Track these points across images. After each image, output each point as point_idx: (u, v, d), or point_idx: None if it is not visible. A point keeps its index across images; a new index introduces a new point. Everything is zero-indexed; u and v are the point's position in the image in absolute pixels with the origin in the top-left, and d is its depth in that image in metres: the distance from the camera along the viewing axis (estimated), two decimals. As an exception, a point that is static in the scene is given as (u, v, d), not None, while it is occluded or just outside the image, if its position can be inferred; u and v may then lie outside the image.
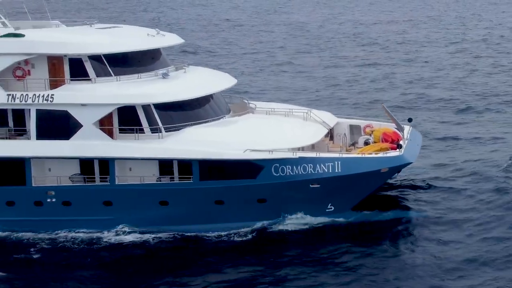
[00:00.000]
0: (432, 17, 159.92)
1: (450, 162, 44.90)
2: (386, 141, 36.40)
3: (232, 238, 33.97)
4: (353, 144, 38.48)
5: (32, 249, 33.04)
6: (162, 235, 34.05)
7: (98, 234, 34.07)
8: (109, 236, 34.02)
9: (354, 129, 39.37)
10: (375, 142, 36.78)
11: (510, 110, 60.04)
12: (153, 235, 33.99)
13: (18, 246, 33.61)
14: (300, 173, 33.61)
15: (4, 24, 36.08)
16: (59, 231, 34.26)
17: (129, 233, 34.13)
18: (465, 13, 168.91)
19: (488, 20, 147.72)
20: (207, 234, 34.18)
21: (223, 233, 34.17)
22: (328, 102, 61.60)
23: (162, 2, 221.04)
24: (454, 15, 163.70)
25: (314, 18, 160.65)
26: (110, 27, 38.40)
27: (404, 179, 40.47)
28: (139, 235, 33.99)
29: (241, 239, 33.99)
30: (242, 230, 34.45)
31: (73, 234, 34.15)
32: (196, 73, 38.42)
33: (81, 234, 34.07)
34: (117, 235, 34.10)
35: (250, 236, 34.16)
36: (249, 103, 39.31)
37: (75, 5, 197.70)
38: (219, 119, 36.20)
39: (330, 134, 38.41)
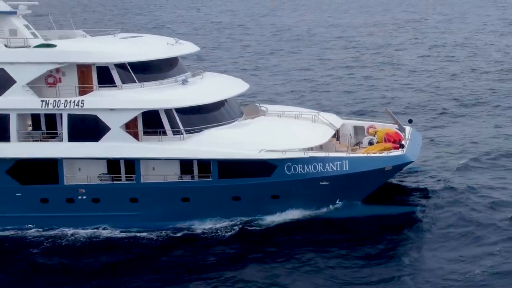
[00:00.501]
0: (418, 20, 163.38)
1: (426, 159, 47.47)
2: (389, 141, 39.16)
3: (231, 233, 36.29)
4: (358, 144, 41.32)
5: (34, 250, 35.11)
6: (156, 233, 36.40)
7: (96, 233, 36.51)
8: (103, 234, 36.35)
9: (358, 130, 42.17)
10: (378, 142, 39.65)
11: (479, 112, 63.09)
12: (146, 234, 36.27)
13: (17, 245, 35.78)
14: (311, 171, 36.32)
15: (34, 35, 38.64)
16: (64, 230, 36.67)
17: (123, 231, 36.53)
18: (452, 16, 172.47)
19: (472, 23, 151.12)
20: (207, 230, 36.59)
21: (219, 228, 36.58)
22: (312, 104, 63.56)
23: (157, 4, 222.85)
24: (440, 18, 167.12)
25: (304, 22, 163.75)
26: (132, 37, 41.03)
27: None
28: (134, 234, 36.32)
29: (239, 233, 36.35)
30: (246, 224, 36.90)
31: (73, 232, 36.51)
32: (212, 79, 41.10)
33: (82, 233, 36.44)
34: (112, 234, 36.45)
35: (255, 230, 36.60)
36: (260, 106, 42.17)
37: (69, 8, 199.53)
38: (233, 121, 38.91)
39: (337, 135, 41.16)
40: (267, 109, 41.63)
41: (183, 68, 40.52)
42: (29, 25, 39.24)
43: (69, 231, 36.66)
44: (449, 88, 74.56)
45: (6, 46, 36.69)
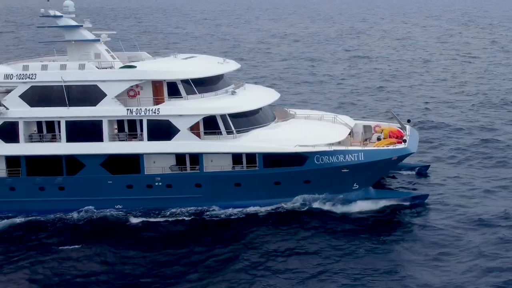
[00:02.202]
0: (364, 31, 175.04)
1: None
2: (393, 137, 49.88)
3: (260, 214, 46.34)
4: (366, 139, 51.93)
5: (47, 232, 43.55)
6: (151, 219, 45.65)
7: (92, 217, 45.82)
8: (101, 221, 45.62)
9: (366, 128, 52.80)
10: (384, 138, 50.32)
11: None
12: (145, 219, 45.54)
13: (20, 233, 43.87)
14: (334, 161, 46.52)
15: (113, 57, 48.84)
16: (72, 214, 46.10)
17: (130, 213, 46.18)
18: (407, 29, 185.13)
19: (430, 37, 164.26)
20: (229, 213, 46.45)
21: (263, 208, 46.80)
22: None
23: (136, 12, 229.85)
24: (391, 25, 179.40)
25: (274, 32, 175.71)
26: (190, 57, 51.25)
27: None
28: (140, 219, 45.74)
29: (267, 213, 46.49)
30: (273, 206, 47.04)
31: (76, 218, 45.75)
32: (253, 90, 51.56)
33: (88, 218, 45.78)
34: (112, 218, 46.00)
35: (282, 211, 46.79)
36: (289, 110, 52.69)
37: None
38: (269, 124, 49.25)
39: (351, 133, 51.68)
40: (295, 113, 52.15)
41: (228, 81, 50.91)
42: (108, 49, 49.37)
43: (75, 215, 46.08)
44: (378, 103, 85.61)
45: (97, 67, 46.81)
